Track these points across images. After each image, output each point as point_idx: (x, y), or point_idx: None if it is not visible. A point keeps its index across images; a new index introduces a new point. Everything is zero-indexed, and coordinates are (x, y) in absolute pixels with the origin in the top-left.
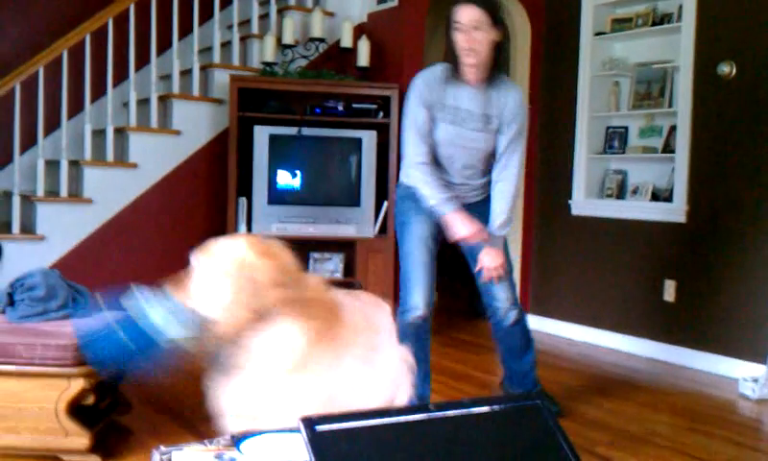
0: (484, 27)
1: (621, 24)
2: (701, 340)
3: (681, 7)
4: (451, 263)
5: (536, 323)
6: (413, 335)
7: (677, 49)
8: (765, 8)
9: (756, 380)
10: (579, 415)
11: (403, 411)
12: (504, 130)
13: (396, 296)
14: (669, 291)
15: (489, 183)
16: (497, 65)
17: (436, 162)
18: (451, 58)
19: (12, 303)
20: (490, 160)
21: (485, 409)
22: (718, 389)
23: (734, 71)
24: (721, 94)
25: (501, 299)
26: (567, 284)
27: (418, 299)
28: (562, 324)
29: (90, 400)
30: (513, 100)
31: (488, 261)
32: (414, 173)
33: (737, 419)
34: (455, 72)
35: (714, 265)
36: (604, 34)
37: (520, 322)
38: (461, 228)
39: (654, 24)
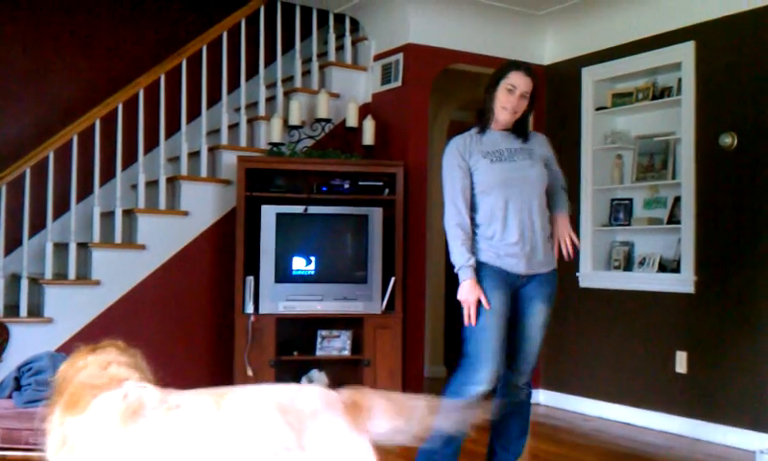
0: (528, 97)
1: (622, 98)
2: (715, 412)
3: (680, 80)
4: (459, 337)
5: (548, 398)
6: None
7: (678, 121)
8: (764, 79)
9: None
10: None
11: None
12: (549, 162)
13: (404, 371)
14: (681, 362)
15: (551, 243)
16: (524, 124)
17: (494, 226)
18: (485, 111)
19: (18, 387)
20: (545, 201)
21: None
22: None
23: (736, 142)
24: (724, 164)
25: (524, 373)
26: (578, 358)
27: (486, 375)
28: (574, 398)
29: None
30: (542, 137)
31: (563, 230)
32: (449, 233)
33: None
34: (485, 126)
35: (726, 335)
36: (605, 108)
37: (526, 403)
38: (470, 292)
39: (654, 98)
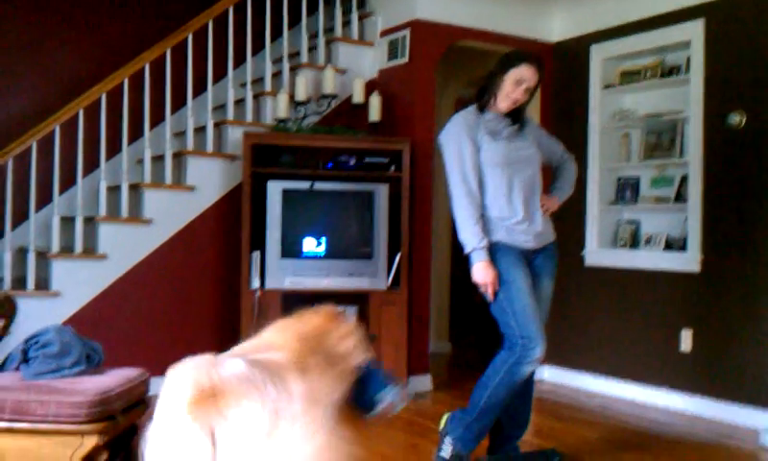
0: (531, 90)
1: (630, 76)
2: (719, 389)
3: (689, 59)
4: (463, 313)
5: (553, 375)
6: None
7: (686, 100)
8: None
9: None
10: None
11: None
12: (542, 140)
13: (409, 347)
14: (686, 340)
15: (547, 221)
16: (521, 111)
17: (499, 203)
18: (486, 91)
19: (26, 360)
20: (541, 179)
21: None
22: (738, 440)
23: (744, 121)
24: (731, 144)
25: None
26: (584, 335)
27: (540, 351)
28: (579, 375)
29: (104, 457)
30: (533, 121)
31: (550, 204)
32: (461, 212)
33: None
34: (484, 107)
35: (731, 313)
36: (613, 86)
37: (531, 378)
38: (486, 274)
39: (662, 76)
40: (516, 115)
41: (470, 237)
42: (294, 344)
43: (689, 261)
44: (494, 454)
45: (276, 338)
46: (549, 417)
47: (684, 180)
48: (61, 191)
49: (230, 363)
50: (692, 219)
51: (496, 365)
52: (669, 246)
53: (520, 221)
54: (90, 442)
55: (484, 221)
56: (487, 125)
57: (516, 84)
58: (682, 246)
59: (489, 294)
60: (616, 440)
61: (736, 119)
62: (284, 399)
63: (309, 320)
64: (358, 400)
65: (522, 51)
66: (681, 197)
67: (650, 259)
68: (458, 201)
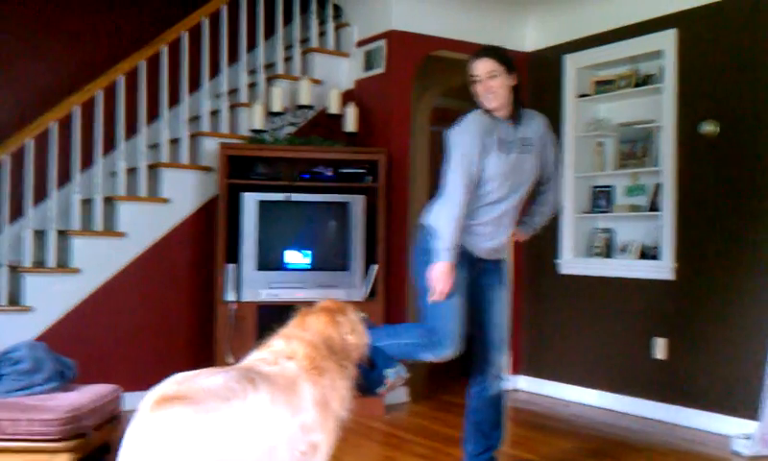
0: (500, 75)
1: (604, 86)
2: (693, 397)
3: (662, 68)
4: None
5: (528, 384)
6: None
7: (659, 109)
8: (745, 67)
9: (748, 437)
10: None
11: None
12: (546, 148)
13: None
14: (660, 349)
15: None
16: (519, 104)
17: (484, 209)
18: (474, 101)
19: None
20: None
21: None
22: (711, 447)
23: (717, 130)
24: (704, 152)
25: (497, 364)
26: (559, 344)
27: (447, 352)
28: (554, 384)
29: None
30: (541, 121)
31: (520, 236)
32: (449, 210)
33: None
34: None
35: (704, 322)
36: (587, 95)
37: (503, 396)
38: (446, 280)
39: (636, 85)
40: (516, 110)
41: (447, 235)
42: (306, 351)
43: (663, 269)
44: None
45: (286, 347)
46: (525, 426)
47: (657, 188)
48: (34, 204)
49: (211, 378)
50: (666, 227)
51: (406, 334)
52: (644, 254)
53: (487, 234)
54: (62, 460)
55: None
56: (500, 132)
57: (476, 84)
58: (656, 254)
59: (439, 295)
60: (591, 449)
61: (709, 128)
62: (285, 410)
63: (313, 323)
64: (366, 379)
65: (471, 55)
66: (655, 205)
67: (624, 268)
68: (451, 198)
